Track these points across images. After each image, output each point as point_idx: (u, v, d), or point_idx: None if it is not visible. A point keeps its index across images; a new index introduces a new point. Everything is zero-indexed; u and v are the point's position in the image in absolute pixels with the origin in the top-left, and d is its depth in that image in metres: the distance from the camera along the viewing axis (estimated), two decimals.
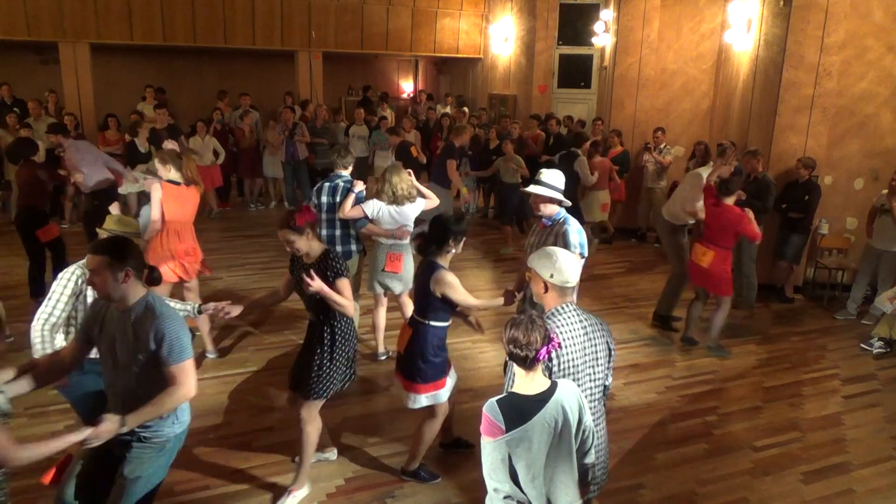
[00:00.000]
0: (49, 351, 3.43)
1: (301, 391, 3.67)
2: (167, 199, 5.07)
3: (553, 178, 4.02)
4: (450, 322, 3.80)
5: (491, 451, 2.26)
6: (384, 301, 5.58)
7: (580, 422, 2.35)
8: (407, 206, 5.21)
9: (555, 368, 2.55)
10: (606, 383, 2.83)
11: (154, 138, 8.95)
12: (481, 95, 14.79)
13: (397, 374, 3.84)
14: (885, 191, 6.55)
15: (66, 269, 3.52)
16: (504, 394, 2.38)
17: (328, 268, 3.49)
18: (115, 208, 3.61)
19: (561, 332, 2.58)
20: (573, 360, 2.62)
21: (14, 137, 9.06)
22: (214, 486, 3.89)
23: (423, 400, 3.73)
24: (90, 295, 3.43)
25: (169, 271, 5.03)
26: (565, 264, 2.68)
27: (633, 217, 10.00)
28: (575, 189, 7.94)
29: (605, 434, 2.85)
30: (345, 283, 3.50)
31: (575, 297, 2.79)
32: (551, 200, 3.99)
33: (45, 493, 3.77)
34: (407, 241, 5.31)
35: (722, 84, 9.86)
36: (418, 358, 3.68)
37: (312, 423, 3.70)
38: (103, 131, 9.88)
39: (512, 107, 12.81)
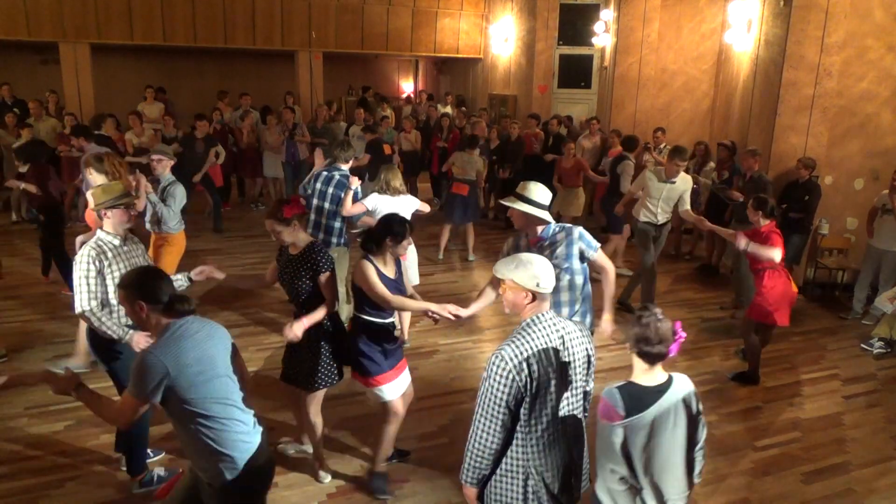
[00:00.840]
0: (109, 322, 3.45)
1: (301, 384, 3.72)
2: None
3: (540, 195, 3.64)
4: (384, 318, 3.68)
5: (608, 435, 2.41)
6: None
7: (695, 415, 2.48)
8: (401, 198, 5.55)
9: (528, 381, 2.38)
10: (587, 389, 2.68)
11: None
12: (481, 95, 14.79)
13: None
14: (886, 191, 6.55)
15: (79, 256, 3.53)
16: (623, 382, 2.46)
17: (311, 261, 3.55)
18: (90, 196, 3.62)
19: (538, 343, 2.43)
20: (547, 376, 2.42)
21: (13, 138, 9.09)
22: None
23: (380, 392, 3.67)
24: (113, 269, 3.54)
25: None
26: (545, 270, 2.51)
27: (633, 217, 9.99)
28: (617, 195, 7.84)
29: (584, 441, 2.69)
30: (327, 278, 3.55)
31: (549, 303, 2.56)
32: (539, 221, 3.65)
33: (48, 494, 3.77)
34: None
35: (722, 84, 9.87)
36: (355, 351, 3.65)
37: (318, 414, 3.82)
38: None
39: (512, 107, 12.81)
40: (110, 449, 4.20)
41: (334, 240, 5.67)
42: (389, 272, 3.61)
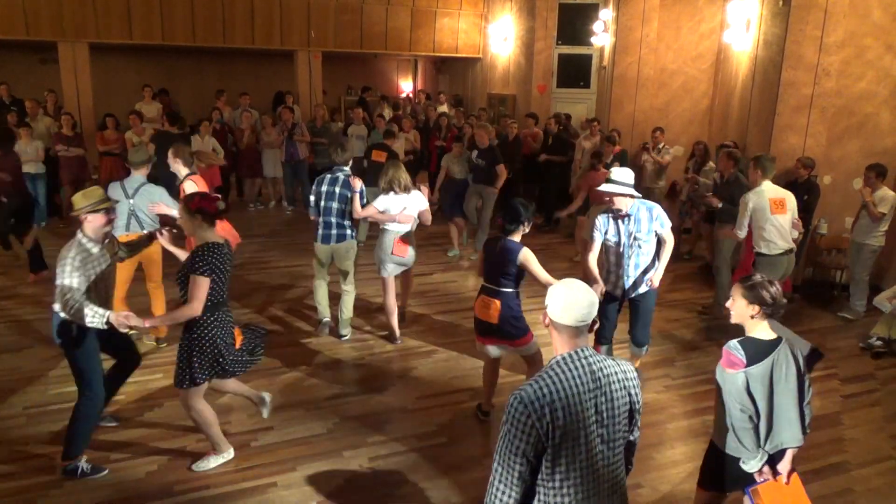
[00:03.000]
0: (94, 310, 3.61)
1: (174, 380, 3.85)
2: None
3: (624, 177, 4.65)
4: (518, 289, 4.39)
5: (734, 381, 2.79)
6: (392, 284, 5.89)
7: (802, 372, 2.85)
8: (411, 194, 5.74)
9: (550, 430, 2.07)
10: (631, 439, 2.35)
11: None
12: (480, 95, 14.78)
13: (497, 341, 4.43)
14: (863, 184, 6.67)
15: (64, 252, 3.66)
16: (741, 338, 2.85)
17: (192, 258, 3.60)
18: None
19: (566, 385, 2.11)
20: (575, 425, 2.10)
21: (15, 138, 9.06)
22: (214, 485, 3.89)
23: (533, 345, 4.43)
24: (96, 263, 3.75)
25: None
26: (569, 297, 2.19)
27: None
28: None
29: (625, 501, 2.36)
30: (198, 282, 3.55)
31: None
32: (624, 195, 4.62)
33: (46, 494, 3.77)
34: (411, 226, 5.81)
35: (721, 84, 9.87)
36: (511, 320, 4.32)
37: (192, 410, 3.87)
38: (102, 131, 9.87)
39: (511, 106, 12.81)
40: (109, 449, 4.20)
41: (348, 232, 5.81)
42: None
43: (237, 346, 3.86)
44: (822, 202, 7.26)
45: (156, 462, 4.09)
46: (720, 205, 6.67)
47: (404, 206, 5.67)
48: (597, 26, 10.78)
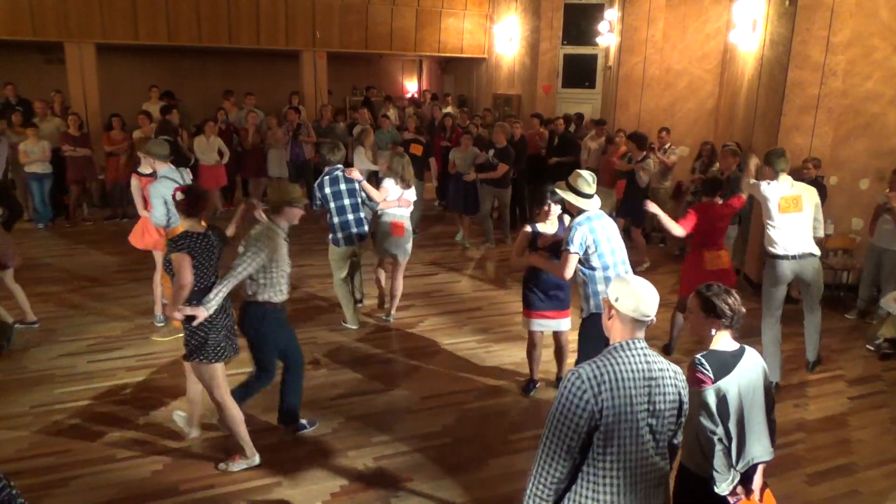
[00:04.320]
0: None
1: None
2: None
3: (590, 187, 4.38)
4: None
5: (703, 399, 2.60)
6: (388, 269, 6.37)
7: (767, 381, 2.72)
8: (410, 190, 6.19)
9: (604, 408, 2.16)
10: (675, 441, 2.42)
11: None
12: (485, 95, 14.78)
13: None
14: (888, 189, 6.53)
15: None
16: (705, 351, 2.68)
17: (168, 246, 3.78)
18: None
19: (622, 370, 2.20)
20: (627, 407, 2.19)
21: (18, 137, 9.11)
22: (219, 484, 3.90)
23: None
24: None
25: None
26: (638, 291, 2.28)
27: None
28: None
29: (667, 496, 2.44)
30: (175, 258, 3.67)
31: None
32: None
33: (52, 493, 3.78)
34: (410, 210, 6.21)
35: (727, 84, 9.84)
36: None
37: (215, 394, 3.95)
38: (108, 131, 9.90)
39: (516, 107, 12.80)
40: (114, 448, 4.22)
41: (365, 228, 5.95)
42: (550, 230, 4.70)
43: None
44: (828, 203, 7.20)
45: (161, 461, 4.10)
46: (720, 202, 6.64)
47: (401, 194, 6.11)
48: (602, 26, 10.76)
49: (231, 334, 3.95)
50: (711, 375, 2.59)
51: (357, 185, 5.82)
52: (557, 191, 4.41)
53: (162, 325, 6.04)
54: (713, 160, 8.33)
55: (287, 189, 4.14)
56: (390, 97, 14.84)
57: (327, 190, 5.75)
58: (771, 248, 5.18)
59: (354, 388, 5.03)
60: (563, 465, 2.19)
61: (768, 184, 5.15)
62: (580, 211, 4.26)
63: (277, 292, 4.05)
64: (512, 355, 5.76)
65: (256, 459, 4.06)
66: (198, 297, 3.73)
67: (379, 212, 6.14)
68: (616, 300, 2.28)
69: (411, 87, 18.28)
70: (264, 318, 4.03)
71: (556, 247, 4.51)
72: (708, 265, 5.38)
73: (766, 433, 2.72)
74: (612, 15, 10.66)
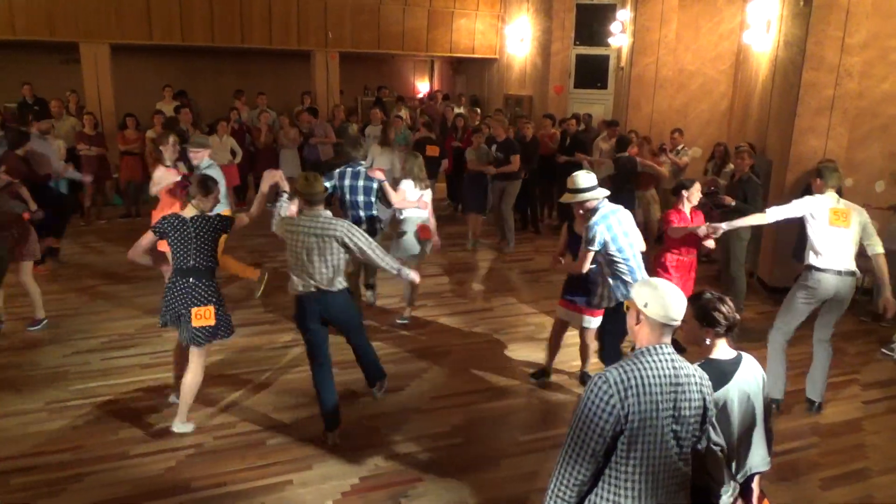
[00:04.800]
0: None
1: None
2: None
3: (584, 181, 4.43)
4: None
5: None
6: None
7: (763, 387, 2.67)
8: (426, 192, 6.23)
9: (630, 413, 2.16)
10: (699, 447, 2.43)
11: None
12: (497, 96, 14.77)
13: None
14: (883, 186, 6.50)
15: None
16: (702, 360, 2.60)
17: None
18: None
19: (648, 374, 2.20)
20: (653, 413, 2.18)
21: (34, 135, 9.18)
22: (231, 482, 3.92)
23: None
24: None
25: None
26: (667, 296, 2.27)
27: None
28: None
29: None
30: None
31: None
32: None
33: (67, 489, 3.82)
34: (428, 212, 6.26)
35: (740, 85, 9.79)
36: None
37: (202, 368, 4.38)
38: (122, 131, 9.97)
39: (528, 107, 12.78)
40: (128, 445, 4.25)
41: (378, 226, 5.95)
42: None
43: (192, 324, 4.15)
44: None
45: (174, 458, 4.12)
46: (734, 203, 6.60)
47: (420, 195, 6.19)
48: (614, 27, 10.73)
49: None
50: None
51: (375, 186, 5.80)
52: (562, 201, 4.56)
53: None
54: (726, 161, 8.29)
55: (308, 182, 4.28)
56: (402, 97, 14.86)
57: (346, 181, 5.76)
58: (815, 262, 4.89)
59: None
60: (586, 468, 2.19)
61: (816, 197, 4.96)
62: (594, 208, 4.36)
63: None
64: (524, 356, 5.75)
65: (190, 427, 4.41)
66: (173, 274, 4.18)
67: (399, 215, 6.18)
68: (645, 306, 2.26)
69: (423, 87, 18.30)
70: None
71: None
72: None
73: (763, 443, 2.68)
74: (624, 15, 10.62)
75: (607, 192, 4.48)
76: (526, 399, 5.05)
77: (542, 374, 5.28)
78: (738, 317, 2.60)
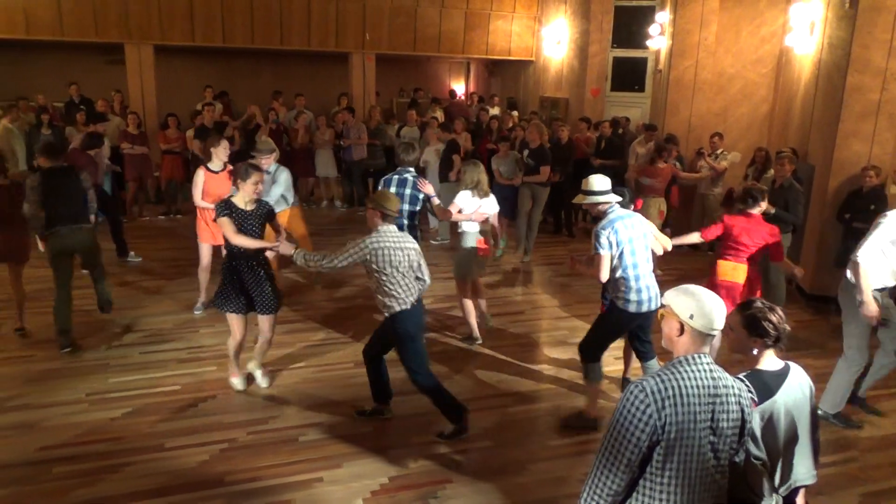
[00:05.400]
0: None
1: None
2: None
3: (598, 184, 4.37)
4: None
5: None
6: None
7: (811, 398, 2.60)
8: (488, 198, 5.97)
9: (667, 423, 2.12)
10: (736, 460, 2.36)
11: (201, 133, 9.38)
12: (532, 98, 14.71)
13: None
14: None
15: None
16: (748, 371, 2.55)
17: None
18: None
19: (687, 385, 2.16)
20: (690, 424, 2.14)
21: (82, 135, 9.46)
22: (263, 477, 3.98)
23: None
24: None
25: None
26: (710, 305, 2.24)
27: (687, 224, 9.77)
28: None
29: None
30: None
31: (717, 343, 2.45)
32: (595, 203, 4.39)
33: (105, 478, 3.92)
34: (492, 219, 6.10)
35: (782, 88, 9.58)
36: None
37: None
38: (164, 130, 10.21)
39: (564, 110, 12.71)
40: (164, 437, 4.35)
41: (416, 234, 5.72)
42: None
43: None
44: None
45: (207, 452, 4.21)
46: (773, 211, 6.45)
47: (479, 205, 5.89)
48: (653, 29, 10.60)
49: None
50: (755, 397, 2.47)
51: (421, 197, 5.63)
52: (575, 202, 4.53)
53: (200, 313, 6.45)
54: (767, 167, 8.12)
55: (386, 197, 4.31)
56: (437, 99, 14.91)
57: (392, 188, 5.61)
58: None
59: (396, 388, 5.05)
60: (621, 478, 2.16)
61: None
62: (604, 214, 4.33)
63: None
64: (556, 359, 5.72)
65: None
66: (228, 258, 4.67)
67: (458, 228, 6.02)
68: (691, 317, 2.22)
69: (458, 89, 18.32)
70: None
71: None
72: (719, 276, 5.18)
73: (809, 454, 2.61)
74: (663, 17, 10.49)
75: (619, 198, 4.41)
76: (556, 403, 5.02)
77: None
78: (787, 327, 2.53)
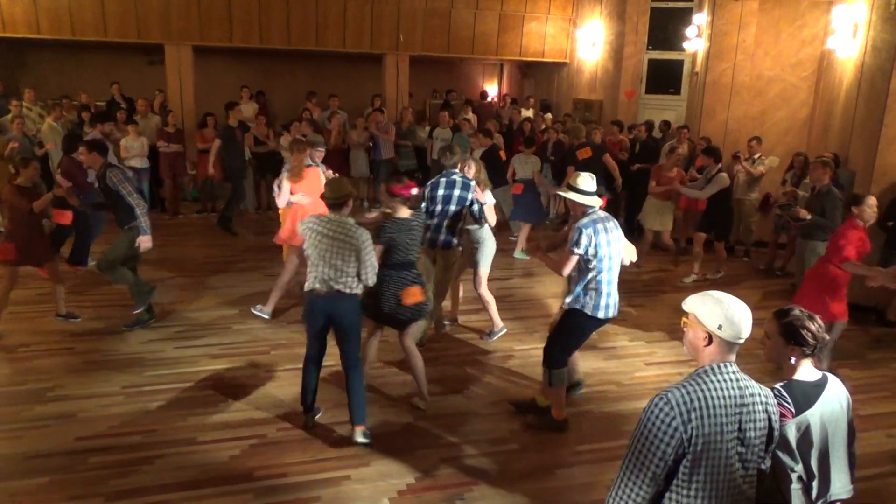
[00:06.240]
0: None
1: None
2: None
3: (586, 184, 4.35)
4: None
5: (782, 434, 2.38)
6: None
7: (848, 410, 2.54)
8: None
9: (694, 436, 2.07)
10: (762, 467, 2.31)
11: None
12: (566, 100, 14.61)
13: None
14: None
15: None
16: (784, 381, 2.50)
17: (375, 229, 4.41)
18: None
19: (713, 395, 2.11)
20: (717, 435, 2.10)
21: (123, 133, 9.71)
22: (291, 474, 4.03)
23: None
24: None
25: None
26: (739, 314, 2.17)
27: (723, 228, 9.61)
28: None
29: None
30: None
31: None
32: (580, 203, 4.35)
33: (139, 469, 4.02)
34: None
35: (823, 92, 9.37)
36: None
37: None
38: (201, 129, 10.40)
39: (597, 112, 12.60)
40: (196, 431, 4.43)
41: (455, 240, 5.73)
42: None
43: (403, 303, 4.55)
44: None
45: (238, 447, 4.27)
46: (808, 217, 6.31)
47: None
48: (690, 31, 10.45)
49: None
50: (792, 408, 2.41)
51: (470, 197, 5.62)
52: (559, 192, 4.65)
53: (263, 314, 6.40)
54: (805, 172, 7.95)
55: (341, 185, 4.39)
56: (470, 100, 14.90)
57: (440, 192, 5.57)
58: None
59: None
60: (646, 491, 2.11)
61: None
62: (584, 212, 4.30)
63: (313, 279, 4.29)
64: (584, 365, 5.68)
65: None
66: (389, 268, 4.54)
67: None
68: (719, 328, 2.15)
69: (491, 90, 18.29)
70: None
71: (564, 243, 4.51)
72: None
73: (846, 468, 2.54)
74: (700, 19, 10.34)
75: (600, 202, 4.38)
76: (584, 408, 4.98)
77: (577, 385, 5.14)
78: (826, 336, 2.48)
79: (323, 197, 4.37)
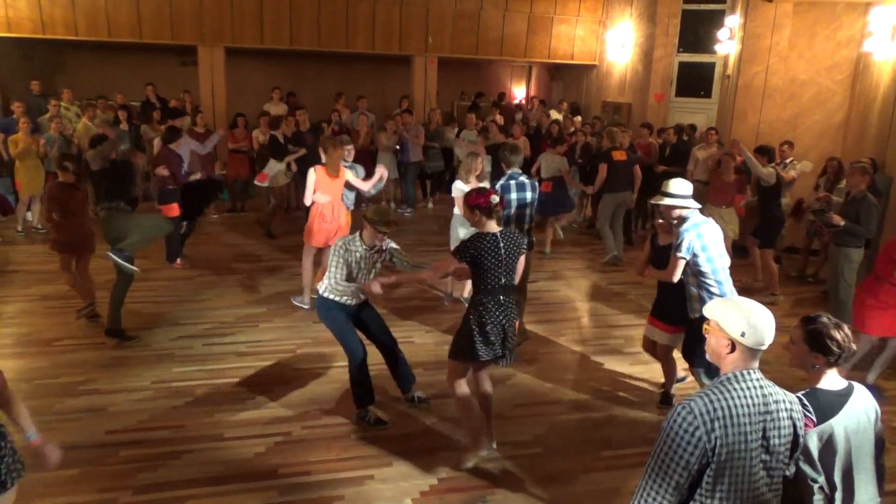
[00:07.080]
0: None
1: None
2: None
3: (679, 188, 4.36)
4: None
5: (804, 444, 2.34)
6: None
7: (876, 420, 2.46)
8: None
9: (718, 445, 2.05)
10: (787, 474, 2.28)
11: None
12: (595, 103, 14.52)
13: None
14: None
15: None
16: (807, 390, 2.45)
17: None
18: None
19: (737, 404, 2.09)
20: (742, 444, 2.07)
21: (157, 133, 9.88)
22: (315, 472, 4.06)
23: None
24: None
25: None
26: (762, 321, 2.14)
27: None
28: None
29: None
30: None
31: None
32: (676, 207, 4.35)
33: (166, 464, 4.08)
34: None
35: (859, 96, 9.18)
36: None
37: (453, 392, 4.21)
38: (232, 129, 10.54)
39: (626, 115, 12.50)
40: (222, 428, 4.49)
41: (531, 240, 5.69)
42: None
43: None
44: None
45: (263, 444, 4.32)
46: (842, 223, 6.17)
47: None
48: (722, 33, 10.31)
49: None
50: (814, 417, 2.37)
51: (533, 198, 5.60)
52: (652, 202, 4.56)
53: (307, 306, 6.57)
54: (839, 177, 7.79)
55: (382, 212, 4.42)
56: (497, 103, 14.89)
57: (513, 195, 5.53)
58: None
59: (447, 389, 5.09)
60: (669, 501, 2.08)
61: None
62: (681, 217, 4.32)
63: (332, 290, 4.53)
64: (610, 368, 5.64)
65: (483, 453, 4.15)
66: (483, 294, 3.93)
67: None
68: (742, 335, 2.12)
69: (519, 92, 18.25)
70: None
71: (666, 255, 4.47)
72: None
73: (873, 480, 2.48)
74: (733, 21, 10.19)
75: (699, 206, 4.38)
76: (610, 414, 4.94)
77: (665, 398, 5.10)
78: (853, 346, 2.42)
79: (366, 218, 4.40)
